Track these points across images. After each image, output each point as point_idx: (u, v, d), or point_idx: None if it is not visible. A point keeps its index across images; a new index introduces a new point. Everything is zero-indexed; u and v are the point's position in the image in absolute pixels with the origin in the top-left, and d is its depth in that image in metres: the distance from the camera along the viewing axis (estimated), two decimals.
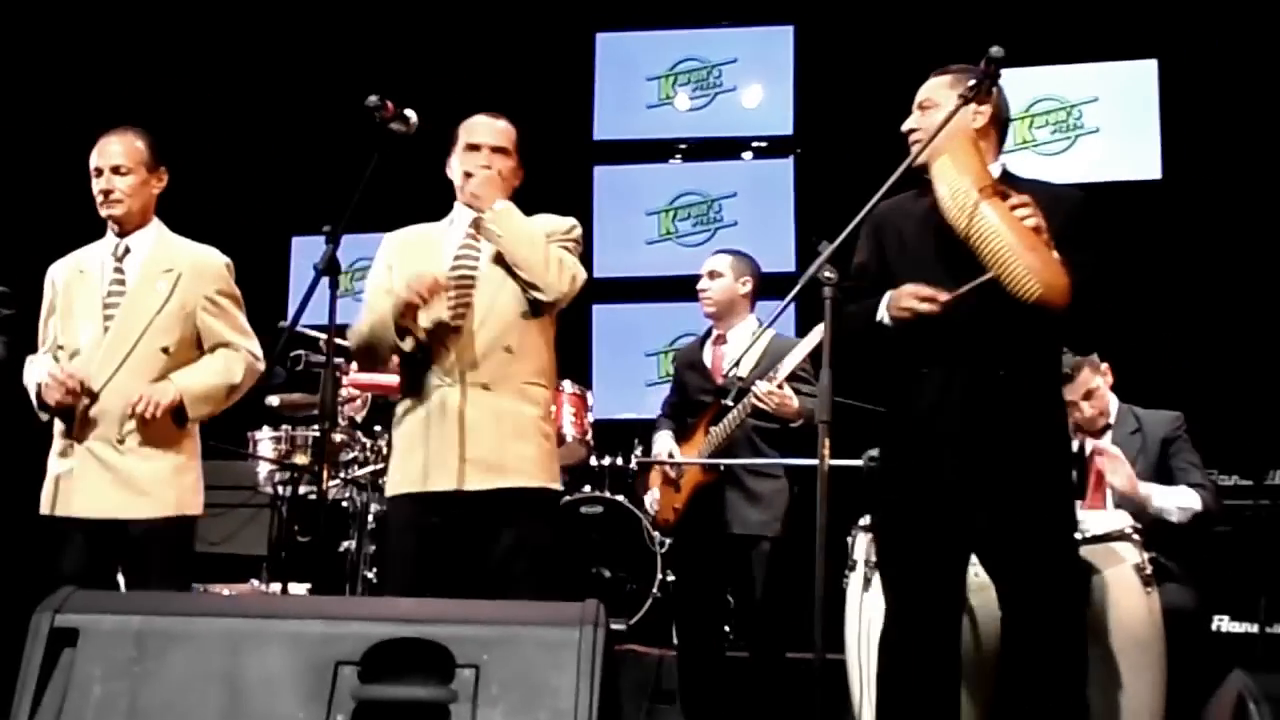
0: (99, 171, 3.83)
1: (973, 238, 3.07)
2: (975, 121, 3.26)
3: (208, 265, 3.89)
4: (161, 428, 3.70)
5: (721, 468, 4.68)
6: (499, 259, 3.57)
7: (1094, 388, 4.57)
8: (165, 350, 3.76)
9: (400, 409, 3.64)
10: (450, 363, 3.52)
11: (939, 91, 3.33)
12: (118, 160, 3.82)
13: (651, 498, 5.00)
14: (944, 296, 3.11)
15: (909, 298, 3.16)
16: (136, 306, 3.77)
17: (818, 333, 4.40)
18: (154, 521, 3.69)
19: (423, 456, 3.52)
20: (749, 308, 4.91)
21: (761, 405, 4.54)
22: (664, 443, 4.94)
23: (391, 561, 3.72)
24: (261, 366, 3.90)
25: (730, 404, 4.64)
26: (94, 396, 3.69)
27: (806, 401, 4.54)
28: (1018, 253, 3.01)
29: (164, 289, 3.79)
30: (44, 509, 3.76)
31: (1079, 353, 4.46)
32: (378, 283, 3.68)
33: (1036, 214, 3.07)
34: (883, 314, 3.23)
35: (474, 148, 3.65)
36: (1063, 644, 3.16)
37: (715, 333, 4.94)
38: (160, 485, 3.71)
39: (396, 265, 3.66)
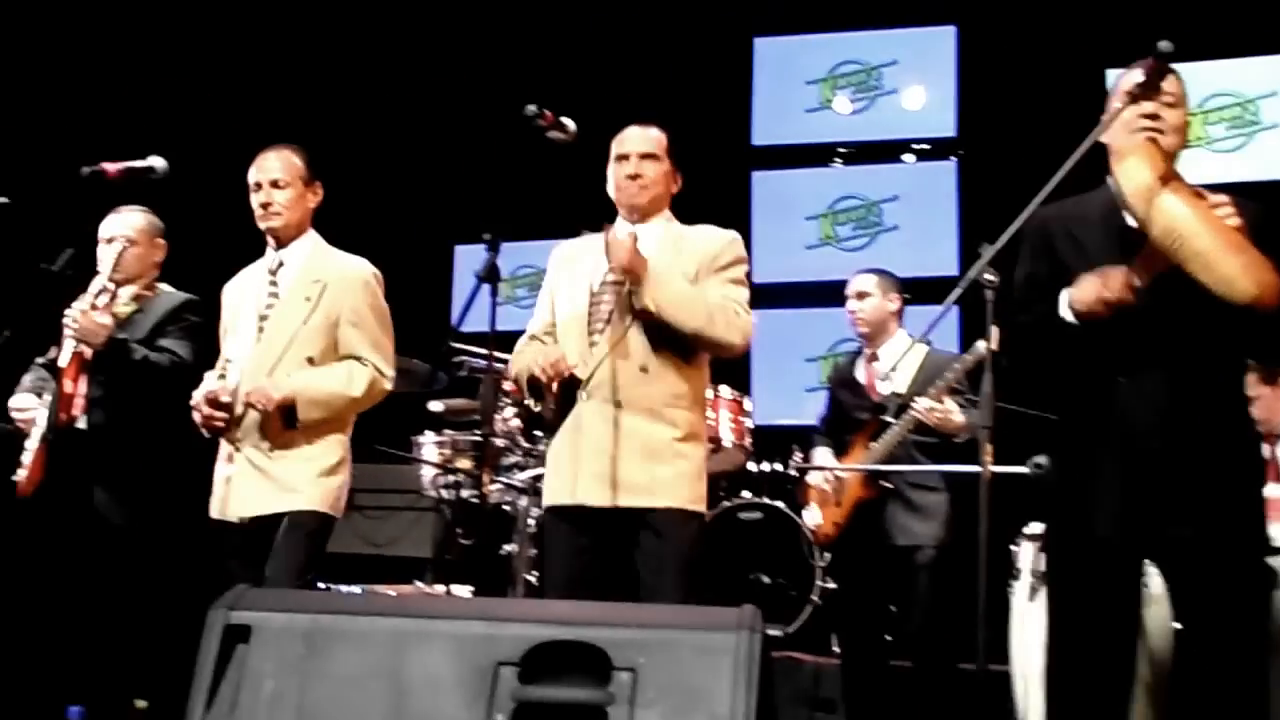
0: (258, 186, 3.94)
1: (1167, 237, 2.90)
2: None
3: (353, 277, 3.95)
4: (279, 428, 3.77)
5: (881, 484, 4.67)
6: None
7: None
8: (310, 360, 3.84)
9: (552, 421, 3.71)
10: (589, 379, 3.56)
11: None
12: (275, 174, 3.93)
13: (811, 515, 5.02)
14: (1136, 281, 2.96)
15: (1096, 288, 2.99)
16: (285, 318, 3.87)
17: (980, 348, 4.36)
18: (299, 514, 3.77)
19: (563, 470, 3.61)
20: (898, 323, 4.92)
21: (924, 420, 4.53)
22: (822, 460, 5.00)
23: (548, 570, 3.77)
24: (388, 385, 3.93)
25: (891, 420, 4.64)
26: (248, 406, 3.79)
27: (971, 415, 4.51)
28: (1225, 251, 2.85)
29: (311, 300, 3.87)
30: (212, 513, 3.90)
31: (1270, 364, 4.25)
32: (538, 311, 3.80)
33: (1237, 214, 2.95)
34: (1065, 311, 3.06)
35: (623, 158, 3.71)
36: (1244, 659, 3.04)
37: (867, 350, 4.95)
38: (308, 484, 3.80)
39: (556, 288, 3.76)
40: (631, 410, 3.54)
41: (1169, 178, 2.96)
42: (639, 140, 3.71)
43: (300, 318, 3.86)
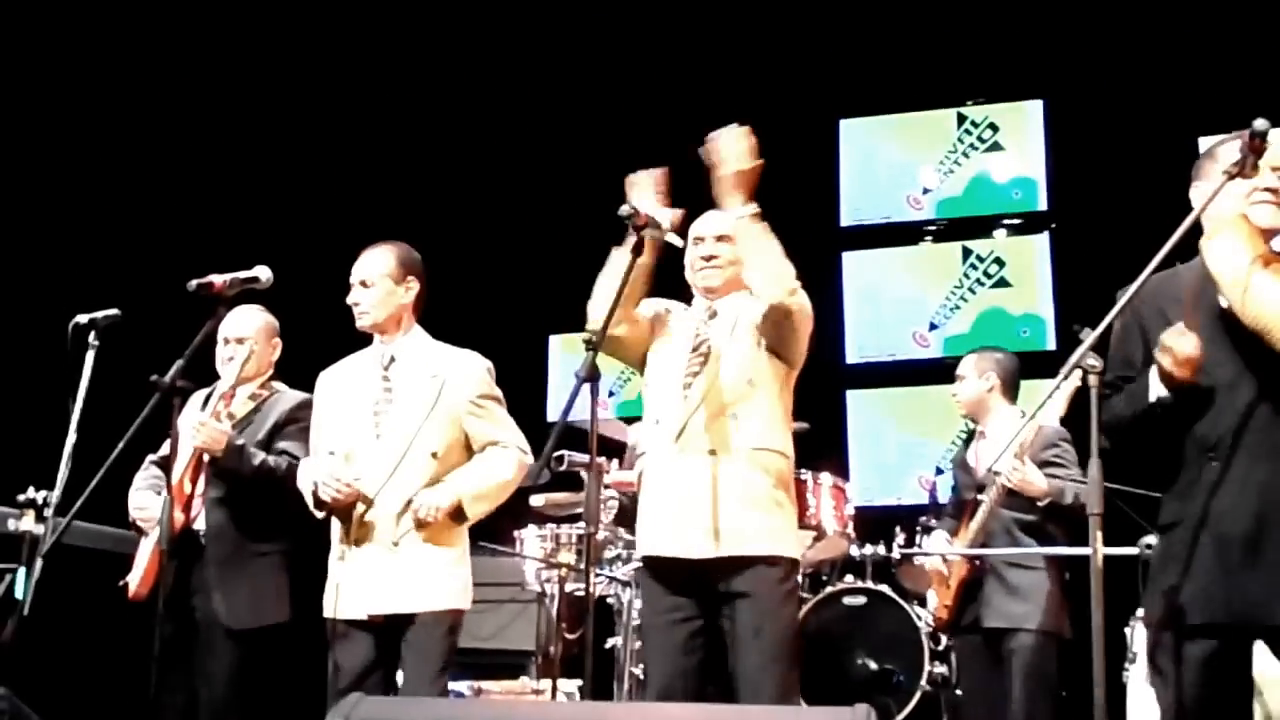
0: (351, 286, 4.02)
1: (1260, 321, 2.90)
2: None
3: (470, 370, 4.01)
4: (437, 528, 3.82)
5: (978, 561, 4.63)
6: (733, 332, 3.66)
7: None
8: (434, 455, 3.88)
9: (645, 476, 3.74)
10: (679, 430, 3.58)
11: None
12: (363, 275, 4.01)
13: (931, 599, 4.99)
14: (1183, 329, 2.95)
15: (1163, 354, 2.97)
16: (405, 413, 3.91)
17: (1048, 412, 4.35)
18: (425, 615, 3.79)
19: (664, 522, 3.61)
20: (1004, 400, 4.89)
21: (1011, 487, 4.49)
22: (935, 541, 5.02)
23: (648, 635, 3.77)
24: (529, 460, 3.96)
25: (982, 497, 4.63)
26: (369, 502, 3.83)
27: (1055, 483, 4.48)
28: None
29: (430, 395, 3.92)
30: (326, 611, 3.91)
31: None
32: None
33: None
34: (1155, 390, 3.04)
35: (699, 240, 3.74)
36: None
37: (978, 429, 4.93)
38: (434, 580, 3.82)
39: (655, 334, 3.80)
40: (725, 458, 3.55)
41: (1268, 259, 2.93)
42: (714, 223, 3.76)
43: (421, 413, 3.90)
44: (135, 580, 4.23)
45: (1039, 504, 4.57)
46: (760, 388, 3.63)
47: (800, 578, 5.92)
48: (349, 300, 4.01)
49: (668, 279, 3.86)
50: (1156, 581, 3.13)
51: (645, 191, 3.67)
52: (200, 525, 4.27)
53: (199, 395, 4.46)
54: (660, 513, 3.63)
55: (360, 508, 3.84)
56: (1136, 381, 3.12)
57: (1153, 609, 3.15)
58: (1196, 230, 3.09)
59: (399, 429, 3.90)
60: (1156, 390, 3.04)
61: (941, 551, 4.83)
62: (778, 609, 3.53)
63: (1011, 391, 4.95)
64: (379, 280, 4.00)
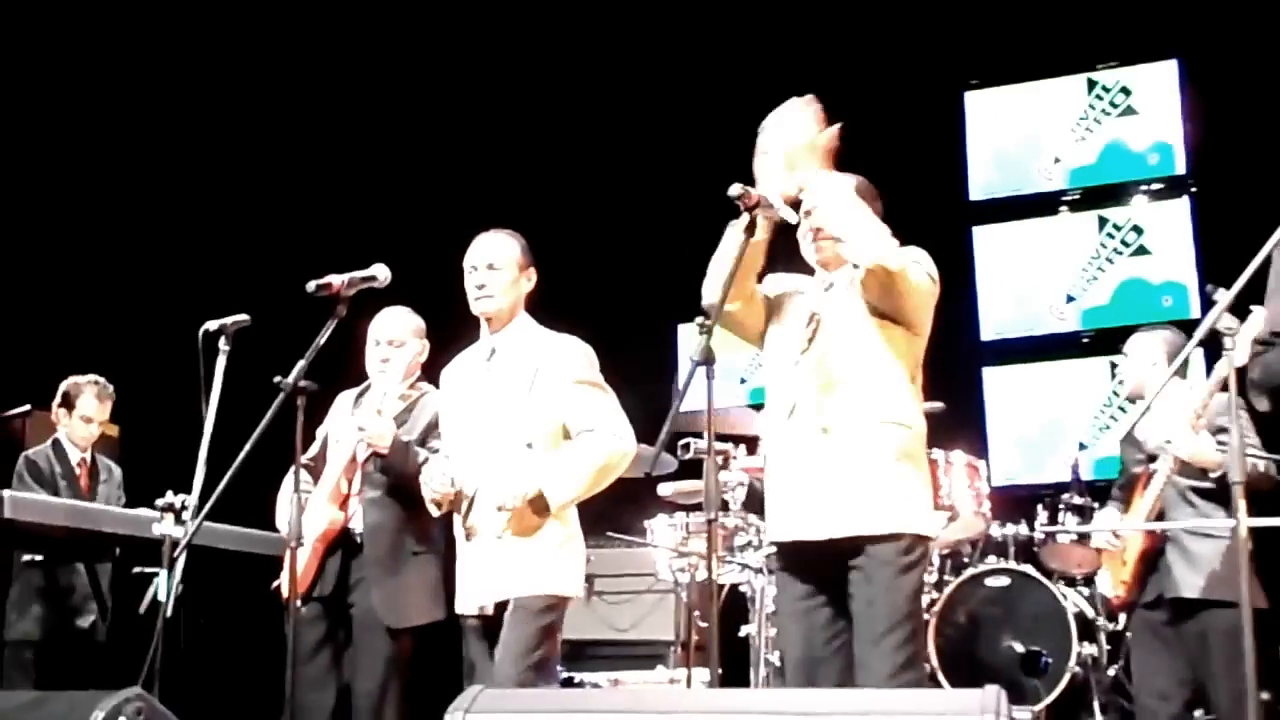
0: (473, 269, 3.97)
1: None
2: None
3: (565, 355, 3.93)
4: (532, 519, 3.76)
5: (1160, 531, 4.46)
6: (844, 302, 3.52)
7: None
8: (529, 446, 3.82)
9: (766, 458, 3.66)
10: (794, 407, 3.49)
11: None
12: (490, 258, 3.96)
13: (1102, 580, 4.81)
14: None
15: None
16: (501, 405, 3.87)
17: (1209, 378, 4.18)
18: (519, 601, 3.75)
19: (776, 505, 3.53)
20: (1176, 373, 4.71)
21: (1181, 456, 4.33)
22: (1103, 518, 4.85)
23: (781, 623, 3.68)
24: (628, 446, 3.88)
25: (1155, 467, 4.46)
26: (469, 501, 3.83)
27: (1224, 455, 4.27)
28: None
29: (525, 385, 3.86)
30: (456, 608, 3.94)
31: None
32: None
33: None
34: None
35: (809, 213, 3.61)
36: None
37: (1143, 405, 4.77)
38: (532, 566, 3.77)
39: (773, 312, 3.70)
40: (840, 433, 3.43)
41: None
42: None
43: (517, 403, 3.86)
44: (287, 582, 4.28)
45: (1211, 474, 4.39)
46: (876, 357, 3.48)
47: (940, 559, 5.83)
48: (473, 283, 3.95)
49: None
50: None
51: (774, 160, 3.53)
52: (356, 525, 4.32)
53: (347, 396, 4.52)
54: (780, 496, 3.55)
55: (466, 504, 3.84)
56: None
57: None
58: None
59: (495, 422, 3.87)
60: None
61: (1092, 529, 4.65)
62: (892, 581, 3.37)
63: (1181, 369, 4.75)
64: (507, 266, 3.96)
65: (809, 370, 3.49)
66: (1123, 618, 5.38)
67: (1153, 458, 4.56)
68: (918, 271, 3.47)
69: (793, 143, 3.48)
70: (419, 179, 7.94)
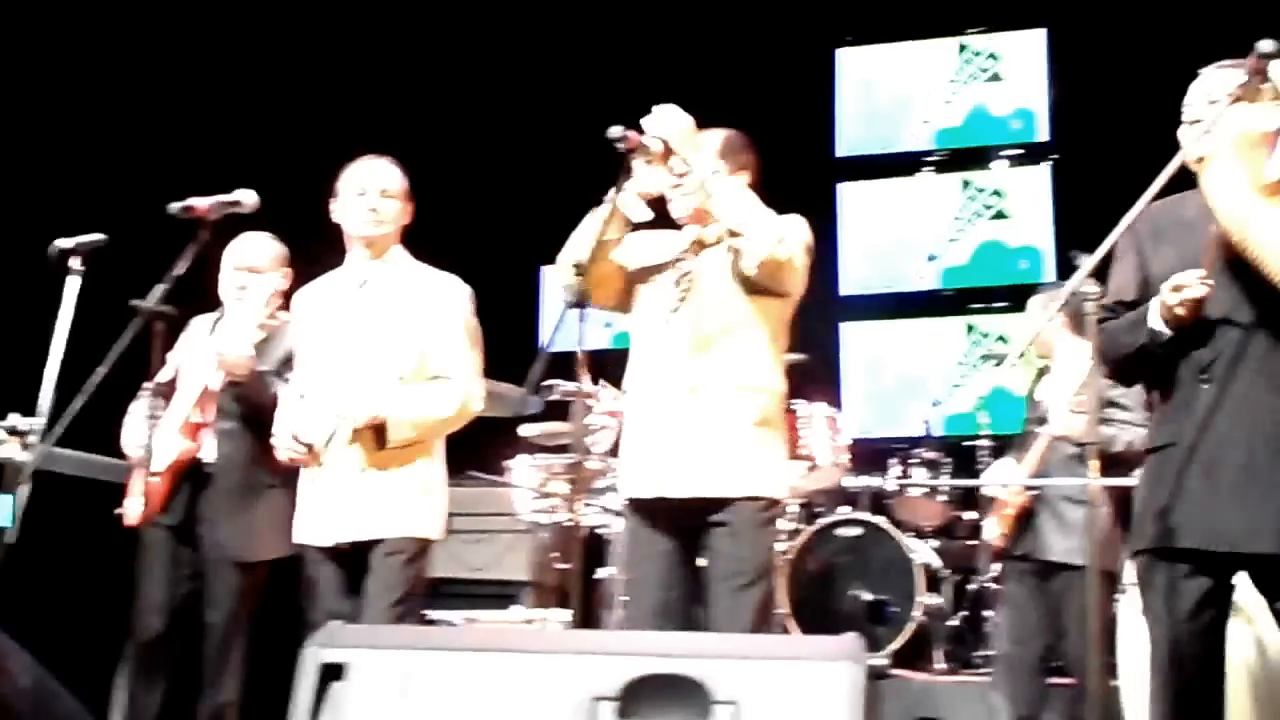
0: (363, 192, 3.85)
1: (1254, 252, 2.88)
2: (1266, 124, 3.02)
3: (444, 294, 3.88)
4: (401, 453, 3.72)
5: (1036, 492, 4.63)
6: (718, 266, 3.53)
7: None
8: (400, 379, 3.76)
9: (626, 413, 3.66)
10: (662, 365, 3.51)
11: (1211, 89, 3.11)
12: (384, 184, 3.87)
13: (988, 527, 4.95)
14: (1201, 271, 2.92)
15: (1169, 292, 2.96)
16: (375, 336, 3.80)
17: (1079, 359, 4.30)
18: (386, 543, 3.71)
19: (637, 461, 3.54)
20: (1072, 334, 4.80)
21: (1056, 435, 4.49)
22: (995, 470, 5.01)
23: (631, 573, 3.68)
24: (478, 406, 3.84)
25: (1036, 430, 4.61)
26: (318, 459, 3.74)
27: (1105, 430, 4.39)
28: None
29: (399, 318, 3.81)
30: (298, 538, 3.87)
31: None
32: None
33: None
34: (1155, 321, 3.02)
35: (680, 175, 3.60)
36: None
37: (1046, 364, 4.88)
38: (403, 506, 3.74)
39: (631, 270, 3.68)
40: (706, 395, 3.45)
41: (1272, 190, 2.89)
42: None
43: (392, 335, 3.79)
44: (132, 508, 4.19)
45: (1085, 446, 4.52)
46: (745, 321, 3.51)
47: (796, 508, 5.93)
48: (364, 205, 3.82)
49: None
50: (1145, 503, 3.11)
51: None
52: (207, 455, 4.23)
53: (202, 322, 4.39)
54: (641, 451, 3.55)
55: (328, 434, 3.74)
56: (1137, 310, 3.09)
57: (1141, 531, 3.12)
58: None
59: (367, 351, 3.80)
60: (1156, 323, 3.01)
61: (981, 481, 4.82)
62: (753, 536, 3.44)
63: (1080, 326, 4.85)
64: (399, 194, 3.89)
65: (679, 330, 3.49)
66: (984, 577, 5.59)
67: (1043, 420, 4.69)
68: (802, 252, 3.51)
69: (676, 127, 3.44)
70: (288, 105, 7.73)
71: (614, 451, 5.33)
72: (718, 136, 3.62)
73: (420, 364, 3.80)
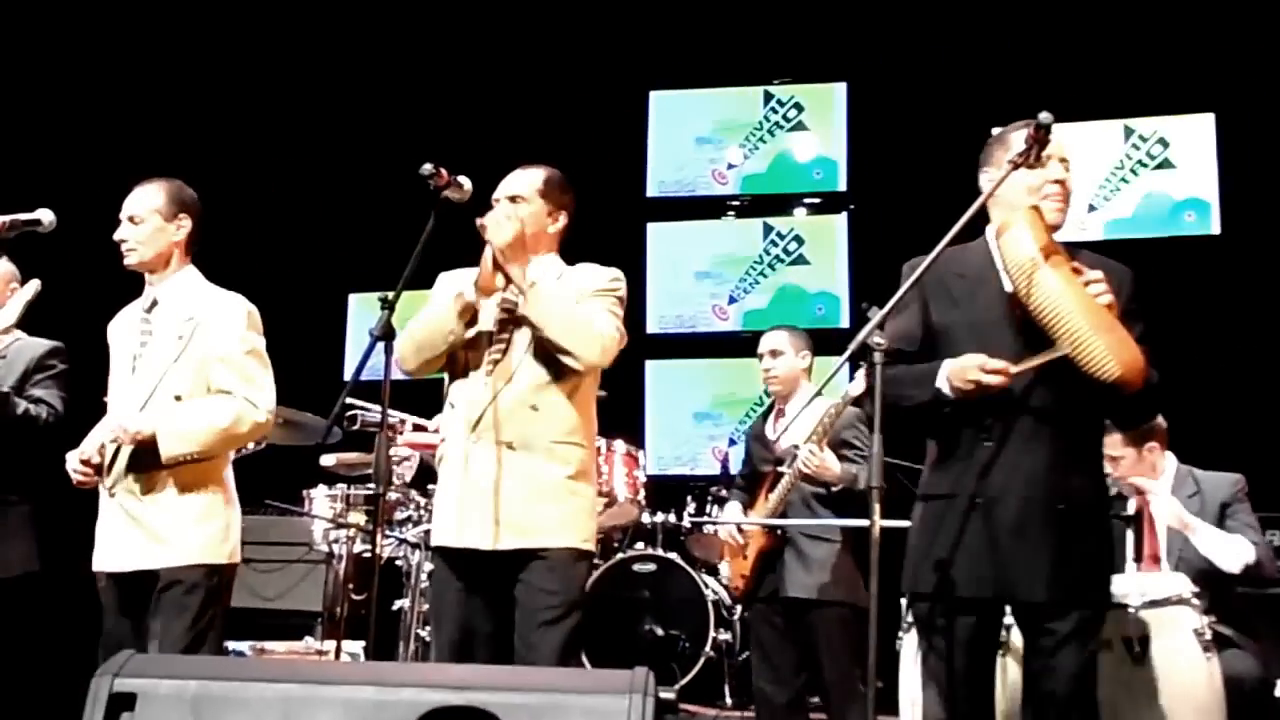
0: (119, 222, 3.84)
1: (1044, 313, 3.05)
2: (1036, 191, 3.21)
3: (224, 312, 3.83)
4: (184, 478, 3.67)
5: (779, 532, 4.71)
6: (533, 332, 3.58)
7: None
8: (178, 399, 3.71)
9: (440, 463, 3.68)
10: (478, 420, 3.54)
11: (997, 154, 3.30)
12: (131, 210, 3.83)
13: (724, 569, 5.05)
14: (1013, 370, 3.09)
15: (975, 370, 3.10)
16: (156, 356, 3.76)
17: (851, 391, 4.48)
18: (174, 570, 3.65)
19: (453, 512, 3.56)
20: (808, 378, 4.97)
21: (805, 470, 4.60)
22: (729, 512, 5.04)
23: (436, 618, 3.72)
24: (262, 417, 3.77)
25: (784, 471, 4.71)
26: (115, 452, 3.69)
27: (850, 467, 4.60)
28: (1095, 332, 3.00)
29: (182, 338, 3.76)
30: (94, 565, 3.77)
31: (1126, 429, 4.37)
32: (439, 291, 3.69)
33: (1109, 290, 3.06)
34: (943, 384, 3.16)
35: (496, 201, 3.68)
36: (1073, 703, 3.14)
37: (779, 405, 5.01)
38: (181, 533, 3.67)
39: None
40: (522, 450, 3.52)
41: (1050, 251, 3.08)
42: (507, 184, 3.69)
43: (171, 356, 3.74)
44: None
45: (833, 488, 4.68)
46: (561, 379, 3.55)
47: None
48: (116, 236, 3.80)
49: None
50: (921, 550, 3.25)
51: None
52: None
53: None
54: (455, 504, 3.57)
55: (110, 454, 3.69)
56: (926, 366, 3.22)
57: (917, 577, 3.27)
58: (983, 212, 3.23)
59: (149, 371, 3.74)
60: (943, 385, 3.16)
61: (737, 521, 4.89)
62: (565, 574, 3.51)
63: (809, 374, 5.04)
64: (148, 216, 3.81)
65: (497, 387, 3.54)
66: (737, 608, 5.71)
67: (780, 460, 4.82)
68: (617, 342, 3.58)
69: (504, 239, 3.49)
70: (93, 130, 7.53)
71: (415, 484, 5.35)
72: (539, 176, 3.69)
73: (196, 381, 3.75)
